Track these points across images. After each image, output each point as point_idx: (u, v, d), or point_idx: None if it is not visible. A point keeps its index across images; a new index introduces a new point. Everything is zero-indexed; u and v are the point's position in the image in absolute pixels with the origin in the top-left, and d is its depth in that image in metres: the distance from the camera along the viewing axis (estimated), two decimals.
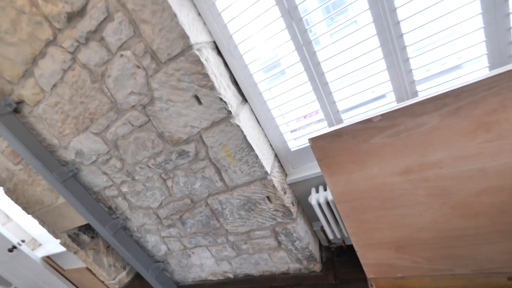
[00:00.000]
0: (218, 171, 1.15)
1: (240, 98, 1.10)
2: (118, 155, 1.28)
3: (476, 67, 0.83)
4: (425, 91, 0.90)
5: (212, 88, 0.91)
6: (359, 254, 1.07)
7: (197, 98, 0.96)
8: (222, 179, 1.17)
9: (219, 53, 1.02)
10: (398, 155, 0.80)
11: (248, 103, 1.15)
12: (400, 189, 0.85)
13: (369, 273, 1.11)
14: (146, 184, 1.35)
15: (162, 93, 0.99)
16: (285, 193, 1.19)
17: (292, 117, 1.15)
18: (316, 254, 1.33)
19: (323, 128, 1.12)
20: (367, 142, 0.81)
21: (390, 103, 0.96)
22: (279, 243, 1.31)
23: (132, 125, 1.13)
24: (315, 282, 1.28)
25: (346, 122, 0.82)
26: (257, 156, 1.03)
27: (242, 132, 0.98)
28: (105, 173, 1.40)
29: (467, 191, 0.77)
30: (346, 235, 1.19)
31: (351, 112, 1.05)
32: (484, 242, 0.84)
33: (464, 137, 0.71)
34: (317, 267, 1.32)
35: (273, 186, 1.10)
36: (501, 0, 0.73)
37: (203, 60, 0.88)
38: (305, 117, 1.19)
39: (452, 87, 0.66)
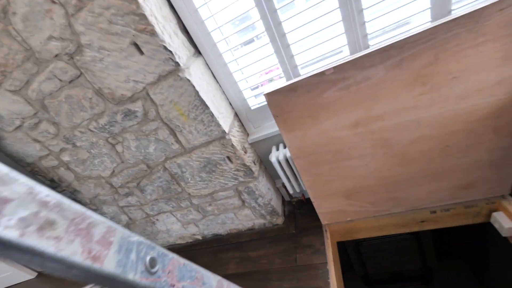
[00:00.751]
0: (173, 132, 1.15)
1: (192, 49, 1.06)
2: (49, 118, 1.18)
3: (421, 22, 0.90)
4: (376, 46, 0.97)
5: (153, 33, 0.85)
6: (315, 204, 1.25)
7: (136, 46, 0.90)
8: (178, 141, 1.19)
9: None
10: (348, 109, 0.90)
11: (202, 56, 1.11)
12: (349, 142, 0.98)
13: (324, 220, 1.32)
14: (92, 151, 1.31)
15: (92, 38, 0.90)
16: (245, 152, 1.27)
17: (251, 72, 1.16)
18: (279, 208, 1.51)
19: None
20: (320, 96, 0.89)
21: (345, 58, 1.02)
22: (243, 201, 1.44)
23: (59, 80, 1.03)
24: (278, 233, 1.49)
25: (300, 76, 0.87)
26: (213, 114, 1.05)
27: (194, 87, 0.97)
28: (36, 140, 1.30)
29: (404, 141, 0.93)
30: (304, 188, 1.36)
31: (308, 68, 1.10)
32: (415, 184, 1.05)
33: (404, 89, 0.82)
34: (279, 220, 1.52)
35: (232, 145, 1.16)
36: None
37: None
38: (266, 73, 1.21)
39: (396, 39, 0.73)
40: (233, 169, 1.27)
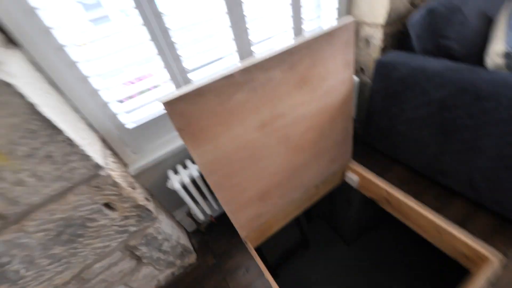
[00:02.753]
0: None
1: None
2: None
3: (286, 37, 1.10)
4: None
5: None
6: (232, 220, 1.13)
7: None
8: None
9: None
10: (256, 111, 0.88)
11: (23, 49, 0.63)
12: (259, 143, 0.97)
13: (243, 233, 1.23)
14: None
15: None
16: (134, 188, 0.89)
17: (121, 80, 0.83)
18: (188, 245, 1.22)
19: (171, 93, 0.93)
20: (230, 100, 0.80)
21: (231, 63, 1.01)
22: (139, 258, 1.01)
23: None
24: (196, 275, 1.19)
25: (206, 80, 0.73)
26: (72, 141, 0.63)
27: (22, 97, 0.52)
28: None
29: (298, 133, 1.06)
30: (216, 208, 1.19)
31: (196, 72, 0.97)
32: (307, 168, 1.24)
33: (295, 89, 0.93)
34: (192, 259, 1.23)
35: (115, 183, 0.77)
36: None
37: None
38: (140, 79, 0.92)
39: (288, 46, 0.81)
40: (118, 219, 0.85)
